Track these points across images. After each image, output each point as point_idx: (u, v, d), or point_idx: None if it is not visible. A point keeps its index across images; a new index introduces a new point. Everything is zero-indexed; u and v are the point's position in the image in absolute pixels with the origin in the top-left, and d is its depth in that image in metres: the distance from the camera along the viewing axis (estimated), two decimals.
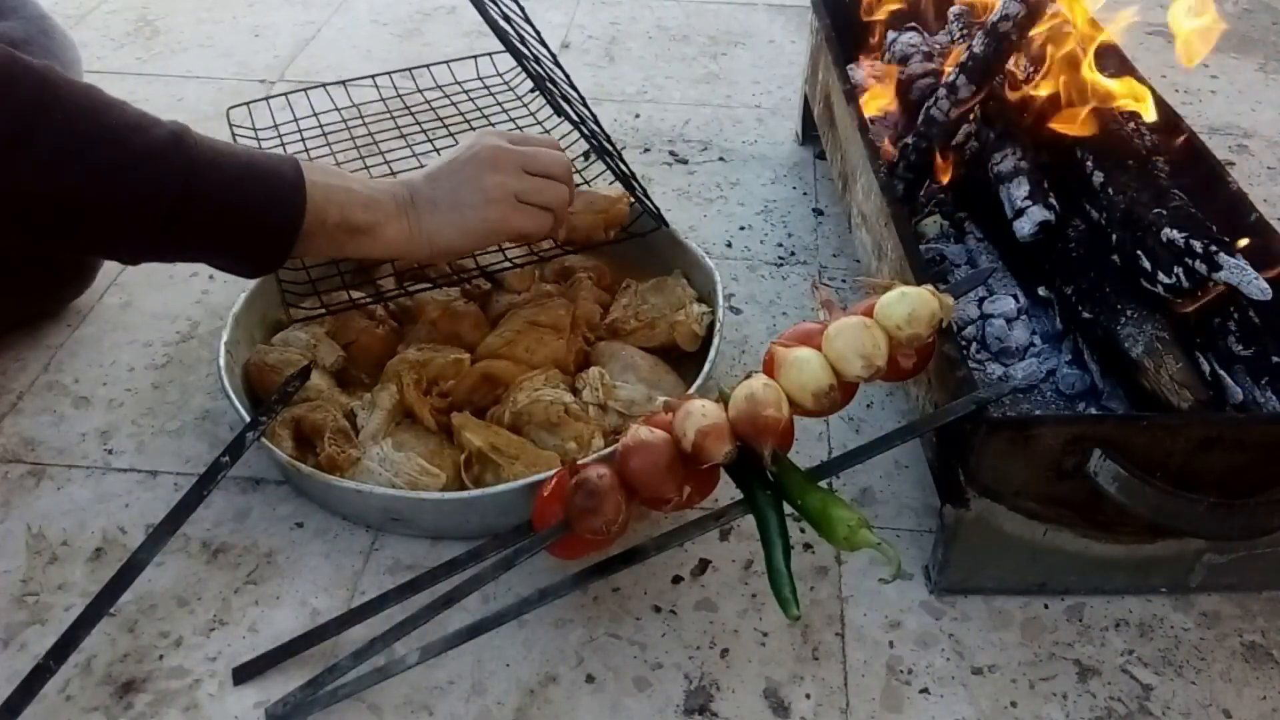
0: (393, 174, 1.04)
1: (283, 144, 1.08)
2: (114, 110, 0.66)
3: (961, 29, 1.11)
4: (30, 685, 0.64)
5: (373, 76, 1.19)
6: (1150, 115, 0.90)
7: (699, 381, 0.80)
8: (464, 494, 0.73)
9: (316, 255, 0.85)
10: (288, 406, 0.79)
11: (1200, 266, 0.76)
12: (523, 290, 0.91)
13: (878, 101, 1.07)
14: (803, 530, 0.76)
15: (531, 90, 1.06)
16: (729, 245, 1.09)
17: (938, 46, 1.12)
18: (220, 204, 0.67)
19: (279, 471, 0.80)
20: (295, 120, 1.12)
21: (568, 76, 0.94)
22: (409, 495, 0.73)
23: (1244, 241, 0.79)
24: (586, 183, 1.00)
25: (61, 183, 0.63)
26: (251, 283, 0.89)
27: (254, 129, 1.09)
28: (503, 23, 0.86)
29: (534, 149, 0.78)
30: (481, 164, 0.76)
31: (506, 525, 0.71)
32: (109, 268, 1.01)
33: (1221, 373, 0.75)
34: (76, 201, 0.64)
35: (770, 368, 0.69)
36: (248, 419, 0.76)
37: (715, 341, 0.84)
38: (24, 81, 0.62)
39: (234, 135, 1.05)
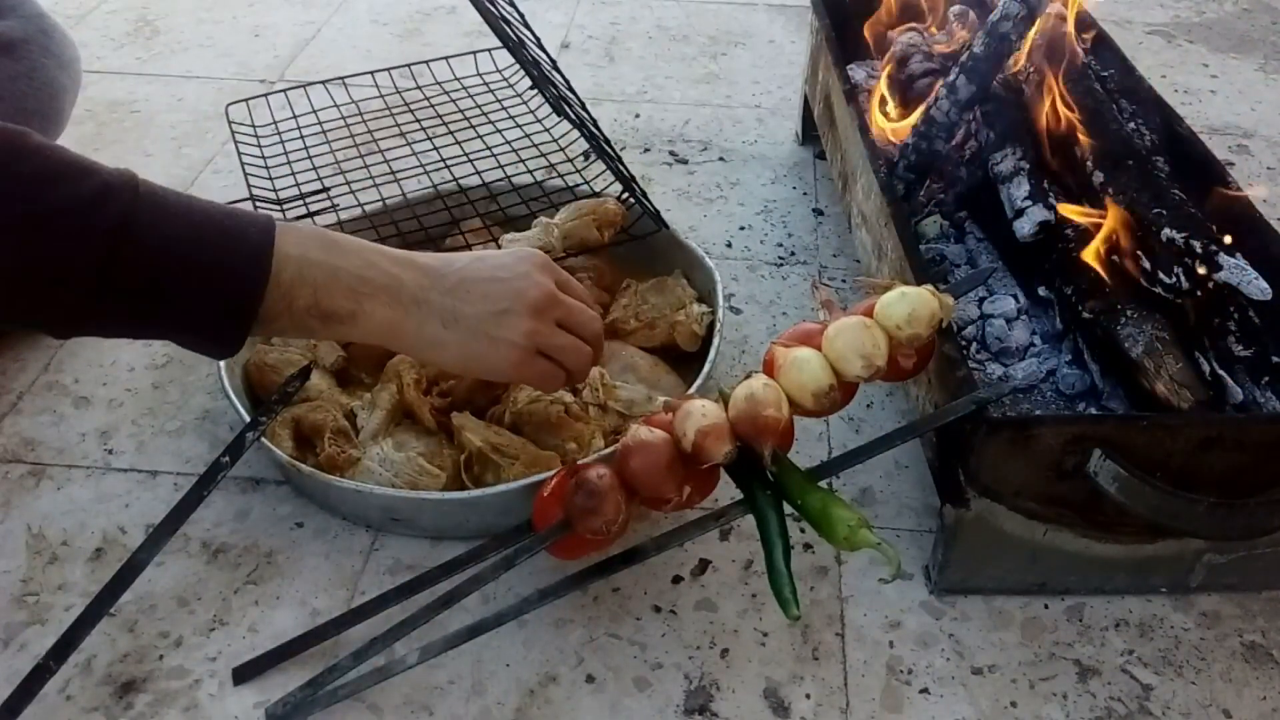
0: (391, 173, 1.04)
1: (282, 141, 1.08)
2: (36, 158, 0.56)
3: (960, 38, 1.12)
4: (30, 685, 0.64)
5: (372, 73, 1.19)
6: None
7: (699, 381, 0.80)
8: (464, 494, 0.73)
9: (284, 336, 0.79)
10: (288, 406, 0.79)
11: (1200, 266, 0.76)
12: None
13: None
14: (803, 530, 0.76)
15: (531, 88, 1.06)
16: (729, 245, 1.09)
17: (939, 47, 1.12)
18: (155, 273, 0.57)
19: (279, 471, 0.80)
20: (294, 118, 1.12)
21: (566, 80, 0.95)
22: (409, 495, 0.73)
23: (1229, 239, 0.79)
24: (587, 182, 1.00)
25: None
26: None
27: (253, 125, 1.09)
28: (502, 25, 0.86)
29: (576, 303, 0.71)
30: (524, 301, 0.66)
31: (506, 525, 0.71)
32: None
33: (1222, 373, 0.75)
34: None
35: (770, 368, 0.69)
36: (247, 419, 0.76)
37: (715, 342, 0.84)
38: None
39: (233, 133, 1.06)
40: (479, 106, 1.15)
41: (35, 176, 0.55)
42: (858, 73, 1.15)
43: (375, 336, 0.65)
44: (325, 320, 0.62)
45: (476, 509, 0.74)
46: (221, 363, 0.80)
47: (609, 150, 0.92)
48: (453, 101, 1.15)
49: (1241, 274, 0.75)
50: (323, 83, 1.16)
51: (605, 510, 0.63)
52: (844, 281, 1.04)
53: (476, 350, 0.66)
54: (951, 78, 0.97)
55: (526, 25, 0.90)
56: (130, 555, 0.70)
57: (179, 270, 0.58)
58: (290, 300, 0.60)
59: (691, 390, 0.78)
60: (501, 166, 1.04)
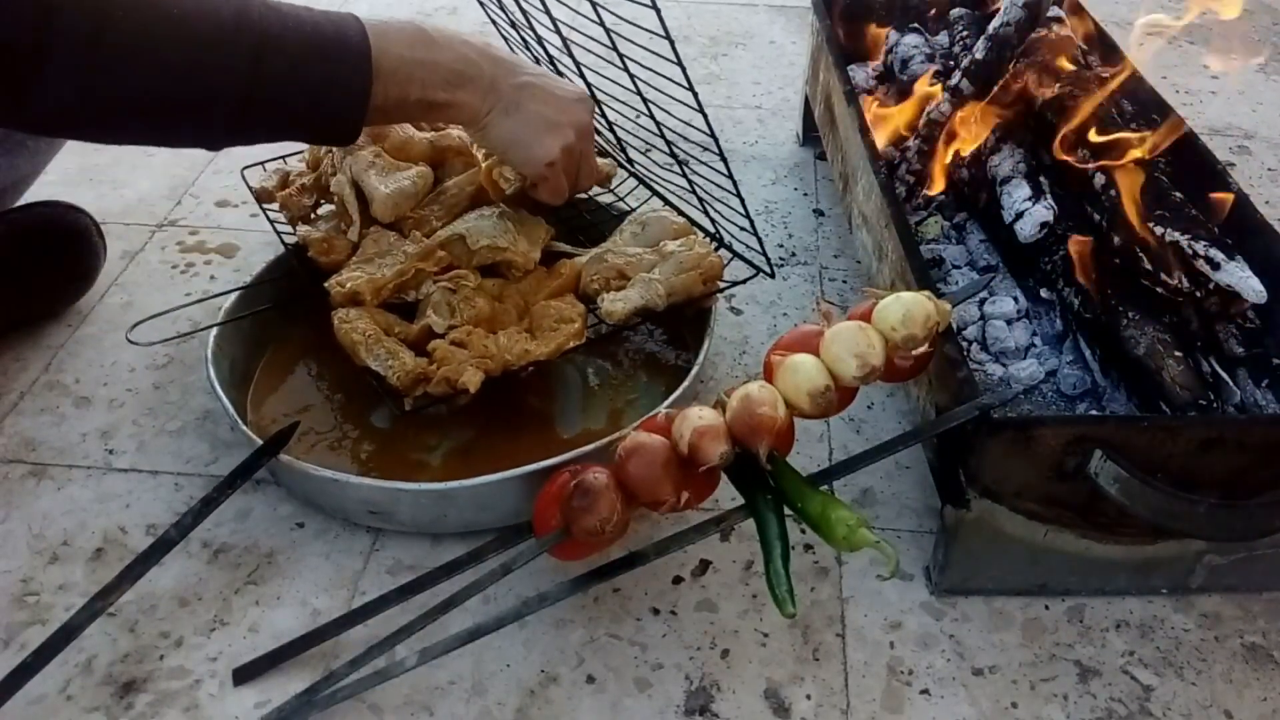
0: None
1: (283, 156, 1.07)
2: None
3: (962, 32, 1.11)
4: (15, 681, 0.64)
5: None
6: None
7: (692, 376, 0.80)
8: (441, 485, 0.72)
9: (396, 122, 0.88)
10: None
11: (1203, 267, 0.76)
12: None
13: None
14: (803, 531, 0.76)
15: None
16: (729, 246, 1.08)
17: (939, 48, 1.13)
18: (288, 80, 0.65)
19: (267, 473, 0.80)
20: None
21: (579, 67, 0.92)
22: (385, 486, 0.72)
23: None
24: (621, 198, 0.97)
25: (137, 82, 0.61)
26: (244, 279, 0.91)
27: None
28: (514, 16, 0.85)
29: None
30: (575, 119, 0.80)
31: (486, 522, 0.72)
32: (109, 269, 1.01)
33: (1222, 374, 0.75)
34: (154, 98, 0.62)
35: (769, 374, 0.69)
36: (234, 413, 0.76)
37: (706, 345, 0.84)
38: None
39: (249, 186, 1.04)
40: None
41: (185, 14, 0.62)
42: (858, 73, 1.15)
43: (461, 120, 0.77)
44: (427, 110, 0.73)
45: (455, 503, 0.73)
46: (212, 367, 0.80)
47: (624, 156, 0.91)
48: None
49: (1238, 275, 0.75)
50: None
51: (600, 509, 0.63)
52: (845, 282, 1.04)
53: (523, 138, 0.78)
54: (954, 80, 0.97)
55: (546, 10, 0.87)
56: (130, 560, 0.69)
57: (306, 75, 0.66)
58: (399, 92, 0.70)
59: (686, 383, 0.79)
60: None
